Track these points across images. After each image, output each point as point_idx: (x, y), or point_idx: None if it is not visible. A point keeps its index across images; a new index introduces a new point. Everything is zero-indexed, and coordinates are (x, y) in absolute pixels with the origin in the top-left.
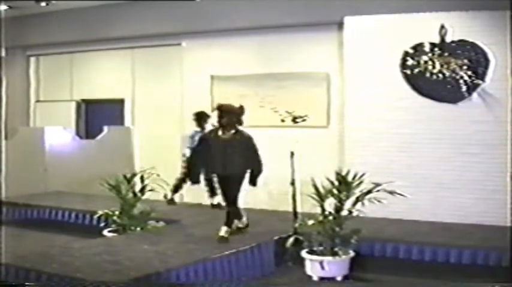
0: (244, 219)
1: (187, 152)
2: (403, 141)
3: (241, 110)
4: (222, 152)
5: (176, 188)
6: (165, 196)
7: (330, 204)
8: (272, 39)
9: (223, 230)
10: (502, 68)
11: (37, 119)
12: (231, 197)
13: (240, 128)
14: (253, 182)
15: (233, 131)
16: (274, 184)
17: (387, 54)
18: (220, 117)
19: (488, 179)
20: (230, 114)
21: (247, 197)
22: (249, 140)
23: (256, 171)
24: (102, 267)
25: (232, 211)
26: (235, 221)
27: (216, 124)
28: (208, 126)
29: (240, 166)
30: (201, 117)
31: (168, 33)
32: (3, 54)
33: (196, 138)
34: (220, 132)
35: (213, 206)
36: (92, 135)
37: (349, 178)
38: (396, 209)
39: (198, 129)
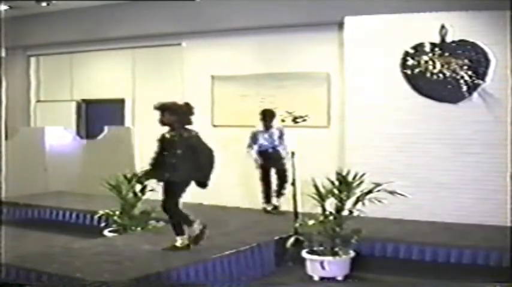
0: (196, 226)
1: (253, 153)
2: (404, 141)
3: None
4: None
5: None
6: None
7: (330, 204)
8: (272, 39)
9: (179, 241)
10: (503, 68)
11: (37, 119)
12: (171, 202)
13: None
14: (203, 184)
15: (180, 131)
16: (275, 184)
17: (388, 54)
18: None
19: (488, 179)
20: (174, 114)
21: (248, 197)
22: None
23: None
24: (103, 267)
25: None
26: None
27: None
28: (275, 125)
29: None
30: (265, 116)
31: (168, 33)
32: (3, 54)
33: (258, 137)
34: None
35: (266, 211)
36: (92, 135)
37: (350, 178)
38: (396, 209)
39: (261, 128)
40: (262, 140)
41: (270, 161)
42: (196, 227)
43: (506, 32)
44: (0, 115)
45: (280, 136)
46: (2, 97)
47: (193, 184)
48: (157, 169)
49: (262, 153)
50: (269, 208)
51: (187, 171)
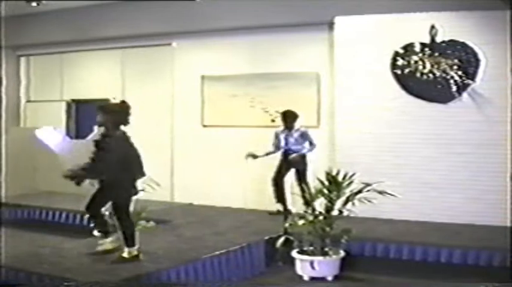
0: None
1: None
2: (394, 141)
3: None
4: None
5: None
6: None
7: (320, 204)
8: (263, 39)
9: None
10: (492, 68)
11: (27, 119)
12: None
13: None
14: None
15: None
16: (265, 184)
17: (378, 54)
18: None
19: (478, 179)
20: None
21: (238, 197)
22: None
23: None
24: (93, 267)
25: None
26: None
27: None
28: (297, 126)
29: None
30: (284, 117)
31: (158, 34)
32: None
33: (279, 137)
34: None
35: (278, 212)
36: (82, 135)
37: (340, 178)
38: (386, 209)
39: (281, 128)
40: (282, 141)
41: (285, 162)
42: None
43: (497, 32)
44: (0, 115)
45: (302, 138)
46: (2, 96)
47: (183, 184)
48: (92, 170)
49: (282, 154)
50: (275, 210)
51: (120, 172)
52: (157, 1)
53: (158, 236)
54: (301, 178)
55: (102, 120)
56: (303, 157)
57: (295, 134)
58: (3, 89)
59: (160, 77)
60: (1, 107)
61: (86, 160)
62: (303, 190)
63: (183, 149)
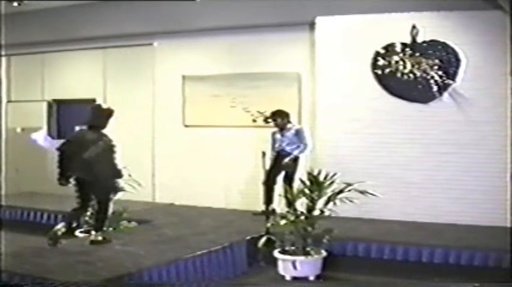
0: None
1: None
2: (375, 141)
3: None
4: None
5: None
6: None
7: (302, 204)
8: (244, 39)
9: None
10: (473, 68)
11: (9, 120)
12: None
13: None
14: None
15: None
16: (246, 184)
17: (359, 55)
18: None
19: (459, 179)
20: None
21: (220, 197)
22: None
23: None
24: (75, 268)
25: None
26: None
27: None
28: (289, 125)
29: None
30: (273, 116)
31: (139, 33)
32: None
33: (274, 137)
34: None
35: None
36: (63, 135)
37: (321, 178)
38: (368, 209)
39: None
40: (277, 141)
41: (276, 162)
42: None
43: (478, 32)
44: (0, 114)
45: (297, 136)
46: (1, 96)
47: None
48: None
49: (275, 155)
50: (260, 211)
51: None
52: (138, 1)
53: (140, 236)
54: (289, 178)
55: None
56: (295, 159)
57: (289, 134)
58: (3, 89)
59: (142, 77)
60: (1, 107)
61: None
62: (286, 191)
63: (165, 149)
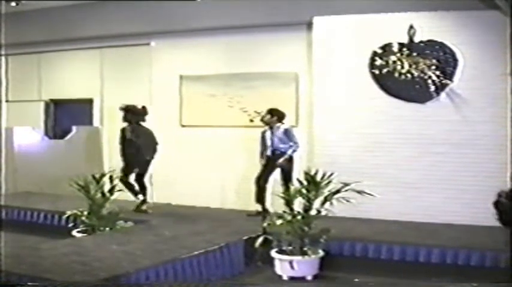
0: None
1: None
2: (372, 141)
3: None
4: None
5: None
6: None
7: (298, 204)
8: (241, 39)
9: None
10: (470, 68)
11: (6, 120)
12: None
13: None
14: None
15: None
16: (243, 184)
17: (356, 54)
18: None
19: (456, 179)
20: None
21: (217, 197)
22: None
23: None
24: (71, 268)
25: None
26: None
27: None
28: (279, 124)
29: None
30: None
31: (136, 33)
32: None
33: (264, 137)
34: None
35: (257, 213)
36: (60, 135)
37: (318, 178)
38: (365, 208)
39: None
40: (267, 140)
41: (268, 161)
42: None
43: (475, 32)
44: (0, 114)
45: (286, 136)
46: (1, 96)
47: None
48: None
49: (270, 153)
50: (254, 212)
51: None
52: (135, 1)
53: (136, 236)
54: (286, 178)
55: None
56: (290, 159)
57: (279, 133)
58: (3, 89)
59: (139, 77)
60: (1, 106)
61: (65, 159)
62: (286, 190)
63: (162, 149)
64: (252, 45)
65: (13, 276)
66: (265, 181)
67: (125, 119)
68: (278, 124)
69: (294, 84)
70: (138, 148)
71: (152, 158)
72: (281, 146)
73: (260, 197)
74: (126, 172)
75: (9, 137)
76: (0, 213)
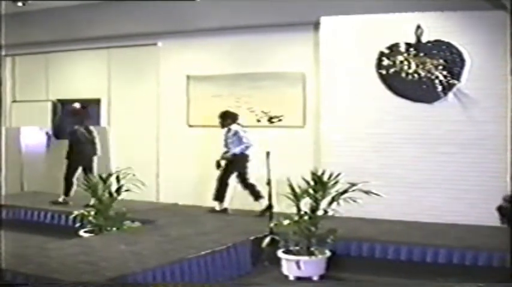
0: None
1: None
2: (379, 141)
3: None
4: None
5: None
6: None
7: (305, 204)
8: (248, 39)
9: None
10: (477, 68)
11: (13, 119)
12: None
13: None
14: None
15: None
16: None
17: (363, 55)
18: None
19: (461, 179)
20: None
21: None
22: None
23: None
24: (78, 268)
25: None
26: None
27: None
28: (231, 125)
29: None
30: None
31: (144, 33)
32: None
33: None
34: None
35: (214, 211)
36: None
37: (325, 178)
38: (371, 208)
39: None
40: (224, 141)
41: (226, 162)
42: None
43: (482, 32)
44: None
45: (235, 137)
46: (1, 96)
47: (168, 184)
48: None
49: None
50: (217, 208)
51: None
52: (143, 1)
53: (143, 236)
54: (241, 177)
55: None
56: (234, 156)
57: (230, 134)
58: (7, 89)
59: (146, 77)
60: (1, 106)
61: None
62: (247, 188)
63: (169, 149)
64: (259, 46)
65: (20, 276)
66: (227, 178)
67: (76, 119)
68: (232, 126)
69: (301, 85)
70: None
71: (96, 154)
72: (231, 147)
73: (222, 194)
74: (72, 169)
75: (16, 137)
76: (0, 212)
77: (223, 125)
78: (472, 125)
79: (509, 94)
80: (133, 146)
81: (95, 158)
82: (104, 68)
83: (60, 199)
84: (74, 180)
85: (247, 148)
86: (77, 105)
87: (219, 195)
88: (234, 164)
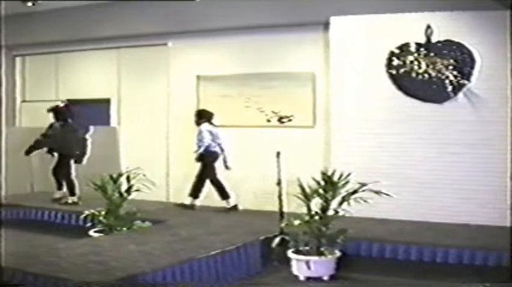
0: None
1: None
2: (389, 141)
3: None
4: None
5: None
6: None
7: (316, 204)
8: (258, 39)
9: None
10: (488, 68)
11: (23, 119)
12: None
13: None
14: None
15: None
16: (260, 184)
17: (373, 54)
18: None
19: (471, 179)
20: None
21: (233, 196)
22: None
23: None
24: (88, 267)
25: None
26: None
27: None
28: (202, 124)
29: None
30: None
31: (154, 33)
32: None
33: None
34: None
35: (184, 206)
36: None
37: (335, 178)
38: (381, 208)
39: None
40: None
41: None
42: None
43: (492, 32)
44: (0, 114)
45: (199, 135)
46: (1, 96)
47: (178, 184)
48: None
49: None
50: (186, 202)
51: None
52: (152, 1)
53: (153, 236)
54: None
55: None
56: (201, 155)
57: (198, 134)
58: (3, 89)
59: (156, 77)
60: (1, 107)
61: None
62: (214, 186)
63: (179, 149)
64: (269, 45)
65: (29, 276)
66: (199, 177)
67: (55, 117)
68: (202, 125)
69: (311, 84)
70: (65, 142)
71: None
72: (195, 146)
73: (198, 191)
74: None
75: (27, 136)
76: (0, 212)
77: (197, 124)
78: (482, 125)
79: (509, 94)
80: (143, 146)
81: (83, 157)
82: (114, 68)
83: (58, 195)
84: (61, 175)
85: (199, 147)
86: (60, 104)
87: (194, 192)
88: (206, 163)
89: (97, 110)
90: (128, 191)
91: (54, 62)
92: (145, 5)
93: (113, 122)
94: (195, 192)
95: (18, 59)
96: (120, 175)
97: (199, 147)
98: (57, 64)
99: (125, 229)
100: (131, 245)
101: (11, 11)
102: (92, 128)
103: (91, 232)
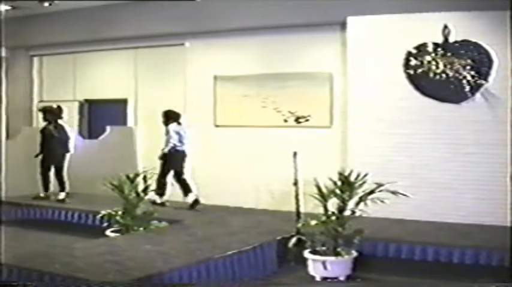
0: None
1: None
2: (406, 141)
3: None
4: None
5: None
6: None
7: (332, 204)
8: (275, 39)
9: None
10: (505, 68)
11: (40, 119)
12: None
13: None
14: None
15: None
16: (277, 184)
17: (390, 54)
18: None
19: (488, 179)
20: None
21: (250, 197)
22: None
23: None
24: (105, 267)
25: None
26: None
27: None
28: (171, 125)
29: None
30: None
31: (171, 34)
32: (3, 54)
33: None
34: None
35: (155, 203)
36: (94, 135)
37: (352, 178)
38: (398, 209)
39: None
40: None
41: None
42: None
43: (508, 32)
44: (0, 115)
45: (166, 135)
46: (1, 97)
47: (195, 184)
48: None
49: None
50: (158, 201)
51: None
52: (170, 1)
53: (170, 236)
54: (175, 174)
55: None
56: (165, 154)
57: (166, 132)
58: (3, 89)
59: (173, 77)
60: (1, 107)
61: (98, 159)
62: (178, 183)
63: (195, 149)
64: (286, 45)
65: (46, 275)
66: (161, 176)
67: (45, 118)
68: (171, 125)
69: (328, 85)
70: (57, 143)
71: (68, 152)
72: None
73: (160, 190)
74: (45, 166)
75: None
76: (0, 211)
77: (165, 124)
78: (500, 126)
79: (509, 94)
80: (160, 146)
81: (68, 156)
82: (131, 68)
83: (42, 194)
84: (50, 174)
85: (166, 147)
86: (53, 105)
87: (159, 189)
88: (169, 161)
89: (114, 110)
90: (145, 191)
91: (71, 62)
92: (163, 5)
93: (130, 122)
94: (160, 189)
95: (35, 59)
96: (137, 174)
97: (166, 146)
98: (75, 64)
99: (141, 228)
100: (148, 245)
101: (28, 11)
102: (108, 128)
103: (108, 232)
